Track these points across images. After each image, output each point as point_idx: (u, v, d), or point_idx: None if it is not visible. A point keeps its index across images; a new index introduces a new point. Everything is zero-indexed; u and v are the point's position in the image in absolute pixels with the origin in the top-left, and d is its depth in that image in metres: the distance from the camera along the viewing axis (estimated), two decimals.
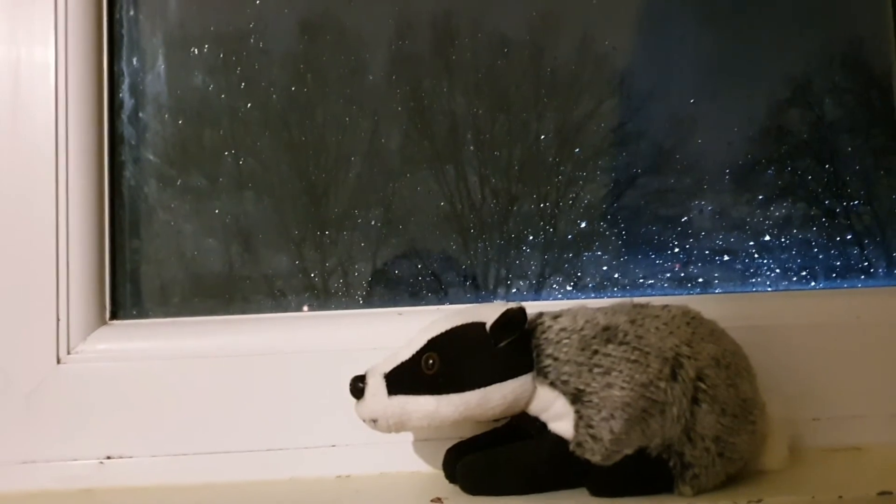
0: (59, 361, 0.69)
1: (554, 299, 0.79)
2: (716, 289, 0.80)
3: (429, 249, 0.78)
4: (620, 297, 0.78)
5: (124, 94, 0.75)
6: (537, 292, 0.79)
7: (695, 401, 0.57)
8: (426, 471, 0.68)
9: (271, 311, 0.75)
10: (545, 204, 0.79)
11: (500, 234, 0.79)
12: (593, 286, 0.79)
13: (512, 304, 0.59)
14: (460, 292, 0.78)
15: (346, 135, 0.78)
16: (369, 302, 0.77)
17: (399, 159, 0.79)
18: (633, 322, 0.59)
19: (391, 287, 0.78)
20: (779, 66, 0.83)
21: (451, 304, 0.77)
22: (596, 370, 0.58)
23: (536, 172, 0.80)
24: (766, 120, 0.83)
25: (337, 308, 0.77)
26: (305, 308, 0.76)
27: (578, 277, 0.79)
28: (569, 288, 0.79)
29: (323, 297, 0.77)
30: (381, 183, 0.79)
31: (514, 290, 0.79)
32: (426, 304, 0.77)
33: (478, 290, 0.79)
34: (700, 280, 0.80)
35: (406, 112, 0.79)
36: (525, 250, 0.79)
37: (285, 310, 0.76)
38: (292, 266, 0.77)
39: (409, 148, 0.79)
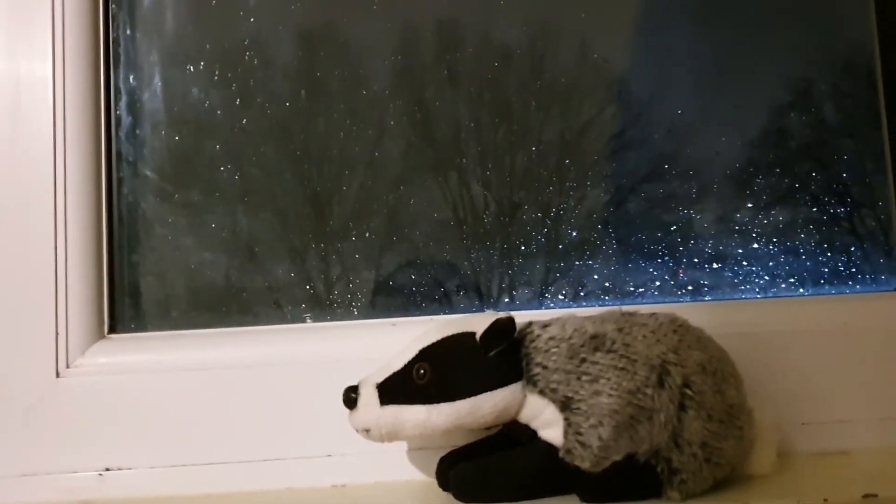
0: (58, 375, 0.70)
1: (556, 307, 0.80)
2: (706, 296, 0.81)
3: (431, 258, 0.80)
4: (618, 304, 0.78)
5: (122, 111, 0.76)
6: (540, 300, 0.80)
7: (682, 407, 0.58)
8: (420, 479, 0.69)
9: (268, 323, 0.76)
10: (546, 212, 0.80)
11: (502, 243, 0.80)
12: (594, 294, 0.80)
13: (501, 314, 0.60)
14: (462, 301, 0.79)
15: (347, 145, 0.79)
16: (371, 312, 0.78)
17: (400, 168, 0.80)
18: (620, 330, 0.61)
19: (393, 296, 0.79)
20: (778, 71, 0.84)
21: (452, 312, 0.78)
22: (584, 378, 0.59)
23: (538, 180, 0.81)
24: (765, 125, 0.83)
25: (337, 319, 0.77)
26: (308, 319, 0.77)
27: (577, 285, 0.80)
28: (561, 296, 0.80)
29: (323, 308, 0.78)
30: (382, 192, 0.80)
31: (512, 301, 0.80)
32: (426, 314, 0.78)
33: (480, 299, 0.80)
34: (690, 288, 0.81)
35: (407, 121, 0.80)
36: (527, 259, 0.80)
37: (282, 321, 0.77)
38: (290, 278, 0.78)
39: (410, 157, 0.80)
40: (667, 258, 0.81)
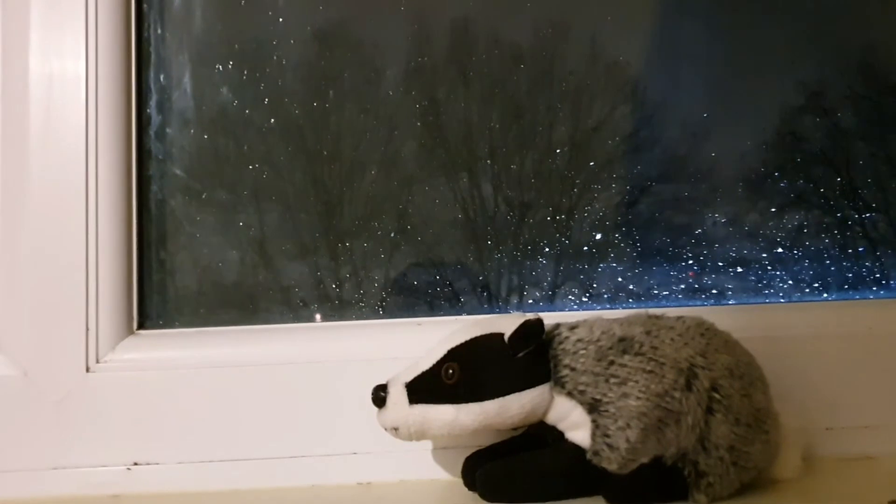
0: (88, 370, 0.71)
1: (568, 310, 0.80)
2: (730, 300, 0.81)
3: (443, 259, 0.80)
4: (634, 307, 0.79)
5: (152, 109, 0.77)
6: (551, 302, 0.80)
7: (709, 410, 0.59)
8: (445, 478, 0.70)
9: (294, 322, 0.77)
10: (559, 214, 0.81)
11: (514, 244, 0.80)
12: (607, 297, 0.80)
13: (530, 316, 0.61)
14: (474, 302, 0.80)
15: (362, 145, 0.80)
16: (386, 312, 0.79)
17: (414, 169, 0.80)
18: (648, 333, 0.61)
19: (407, 297, 0.79)
20: (793, 74, 0.84)
21: (465, 313, 0.79)
22: (612, 380, 0.59)
23: (550, 181, 0.81)
24: (780, 128, 0.83)
25: (354, 318, 0.78)
26: (318, 318, 0.78)
27: (592, 287, 0.80)
28: (584, 299, 0.80)
29: (343, 307, 0.78)
30: (397, 192, 0.80)
31: (529, 301, 0.80)
32: (442, 314, 0.79)
33: (491, 300, 0.80)
34: (714, 291, 0.81)
35: (421, 122, 0.81)
36: (539, 260, 0.80)
37: (308, 320, 0.78)
38: (315, 277, 0.79)
39: (423, 157, 0.81)
40: (686, 261, 0.81)
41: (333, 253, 0.79)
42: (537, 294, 0.80)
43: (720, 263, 0.81)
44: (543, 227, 0.81)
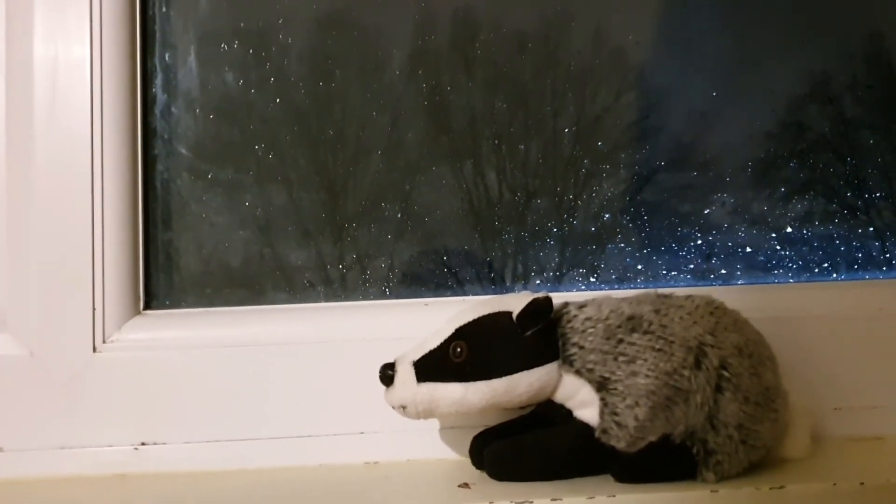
0: (94, 350, 0.71)
1: (576, 290, 0.80)
2: (738, 280, 0.80)
3: (445, 245, 0.80)
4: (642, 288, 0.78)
5: (157, 89, 0.77)
6: (554, 288, 0.80)
7: (718, 389, 0.59)
8: (453, 457, 0.70)
9: (301, 302, 0.77)
10: (562, 199, 0.80)
11: (518, 230, 0.80)
12: (615, 277, 0.80)
13: (538, 294, 0.60)
14: (477, 287, 0.80)
15: (380, 127, 0.79)
16: (391, 293, 0.78)
17: (417, 155, 0.80)
18: (657, 312, 0.61)
19: (412, 282, 0.79)
20: (798, 61, 0.83)
21: (471, 295, 0.79)
22: (621, 359, 0.59)
23: (554, 167, 0.81)
24: (786, 115, 0.83)
25: (370, 298, 0.78)
26: (322, 297, 0.78)
27: (597, 273, 0.80)
28: (592, 280, 0.80)
29: (348, 288, 0.78)
30: (400, 178, 0.80)
31: (537, 282, 0.80)
32: (457, 294, 0.78)
33: (495, 285, 0.80)
34: (723, 272, 0.81)
35: (428, 102, 0.80)
36: (545, 243, 0.80)
37: (314, 300, 0.77)
38: (322, 258, 0.78)
39: (427, 143, 0.80)
40: (694, 241, 0.81)
41: (339, 236, 0.79)
42: (544, 276, 0.80)
43: (729, 244, 0.81)
44: (549, 211, 0.80)
